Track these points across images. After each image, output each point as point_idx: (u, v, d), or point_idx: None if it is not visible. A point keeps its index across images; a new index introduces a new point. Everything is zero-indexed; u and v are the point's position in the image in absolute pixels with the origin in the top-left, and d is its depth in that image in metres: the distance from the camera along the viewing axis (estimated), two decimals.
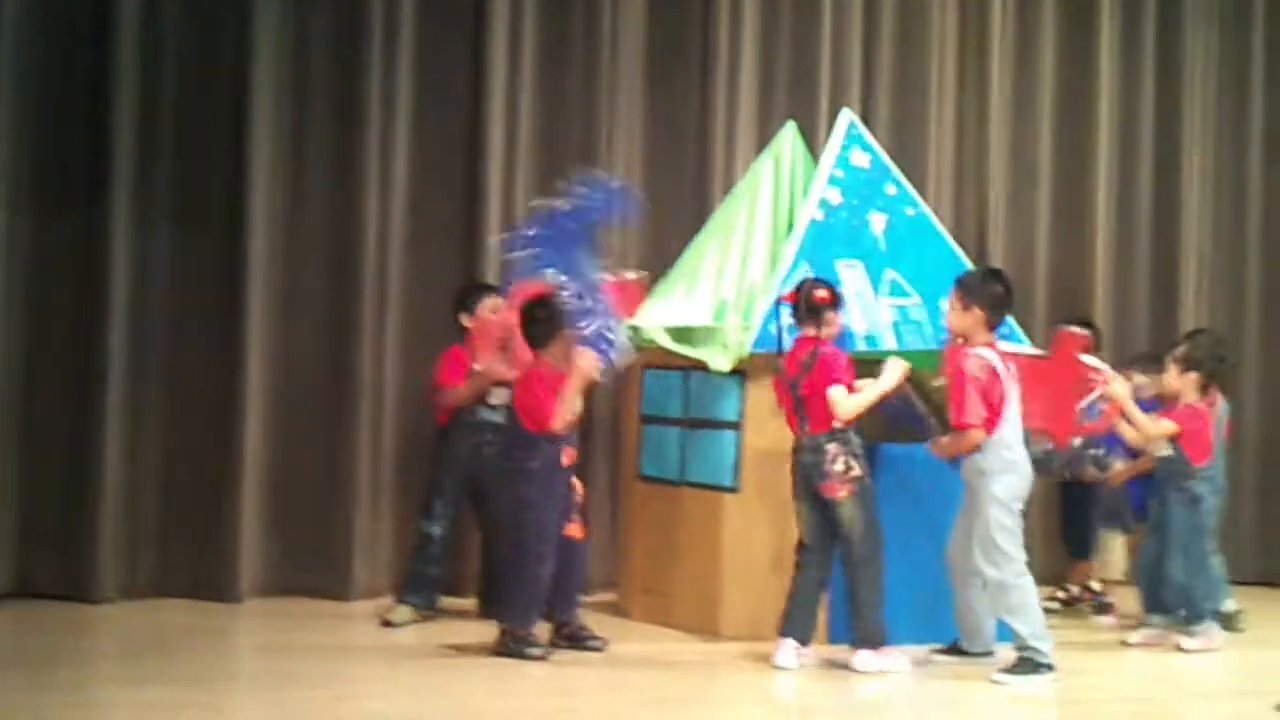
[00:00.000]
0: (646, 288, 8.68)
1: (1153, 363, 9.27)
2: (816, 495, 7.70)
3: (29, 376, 8.77)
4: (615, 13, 9.83)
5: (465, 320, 8.55)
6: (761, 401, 8.13)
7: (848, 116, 8.88)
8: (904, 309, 8.49)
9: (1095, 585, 9.50)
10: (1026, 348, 8.46)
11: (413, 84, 9.41)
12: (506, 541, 7.86)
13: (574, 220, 7.74)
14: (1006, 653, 7.76)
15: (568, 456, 7.81)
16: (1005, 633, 7.90)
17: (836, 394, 7.62)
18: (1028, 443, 7.78)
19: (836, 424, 7.66)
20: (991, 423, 7.54)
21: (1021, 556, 7.60)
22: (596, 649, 7.92)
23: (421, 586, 8.53)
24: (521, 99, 9.60)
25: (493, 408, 8.43)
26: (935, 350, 8.33)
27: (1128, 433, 8.71)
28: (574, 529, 7.95)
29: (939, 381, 8.03)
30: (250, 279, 9.00)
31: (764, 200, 8.79)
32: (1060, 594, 9.57)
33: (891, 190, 8.72)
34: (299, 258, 9.25)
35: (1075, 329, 9.06)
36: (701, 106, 10.00)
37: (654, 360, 8.70)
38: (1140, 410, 8.51)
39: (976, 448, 7.55)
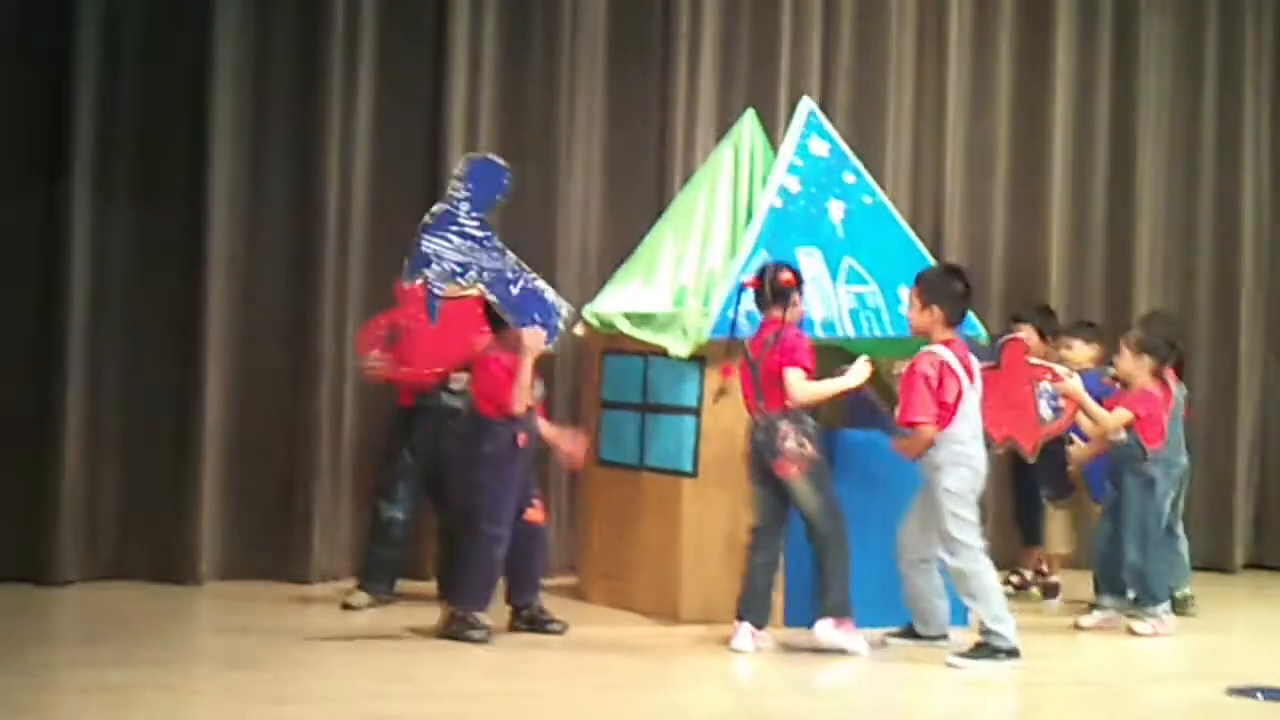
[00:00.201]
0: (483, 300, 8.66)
1: (1090, 330, 9.42)
2: (769, 474, 7.75)
3: None
4: (576, 1, 9.86)
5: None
6: (720, 388, 8.18)
7: (807, 105, 8.93)
8: (861, 296, 8.55)
9: (1045, 568, 9.63)
10: (980, 340, 8.52)
11: (375, 62, 9.42)
12: (460, 525, 7.89)
13: (473, 210, 8.23)
14: (961, 636, 7.84)
15: (523, 440, 7.87)
16: (959, 617, 7.99)
17: (793, 375, 7.67)
18: (989, 442, 7.86)
19: (790, 404, 7.73)
20: (944, 419, 7.59)
21: (979, 544, 7.67)
22: (556, 632, 7.97)
23: (382, 572, 8.55)
24: (482, 84, 9.62)
25: (454, 393, 8.46)
26: (893, 339, 8.41)
27: (1085, 423, 8.81)
28: (535, 513, 7.99)
29: (899, 369, 8.08)
30: (210, 263, 9.02)
31: (723, 188, 8.84)
32: (1014, 578, 9.68)
33: (850, 178, 8.78)
34: (259, 243, 9.26)
35: (1021, 331, 9.14)
36: (661, 94, 10.05)
37: (613, 345, 8.75)
38: (1092, 396, 8.62)
39: (931, 443, 7.62)
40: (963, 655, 7.64)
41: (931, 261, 8.62)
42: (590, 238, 9.87)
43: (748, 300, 7.92)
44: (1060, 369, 8.58)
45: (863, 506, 7.96)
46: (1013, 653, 7.61)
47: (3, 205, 8.76)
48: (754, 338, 7.87)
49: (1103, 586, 8.79)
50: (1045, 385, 8.62)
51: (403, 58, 9.50)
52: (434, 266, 8.36)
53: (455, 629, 7.71)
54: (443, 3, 9.51)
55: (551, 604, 8.18)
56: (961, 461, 7.64)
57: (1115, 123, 11.25)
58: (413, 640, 7.78)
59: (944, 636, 7.92)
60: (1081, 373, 8.83)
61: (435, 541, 8.88)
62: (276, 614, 8.42)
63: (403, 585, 8.69)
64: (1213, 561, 10.98)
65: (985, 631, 7.64)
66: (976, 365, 7.76)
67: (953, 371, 7.62)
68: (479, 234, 8.45)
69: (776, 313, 7.80)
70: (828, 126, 8.90)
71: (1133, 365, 8.67)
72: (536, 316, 8.12)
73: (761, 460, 7.77)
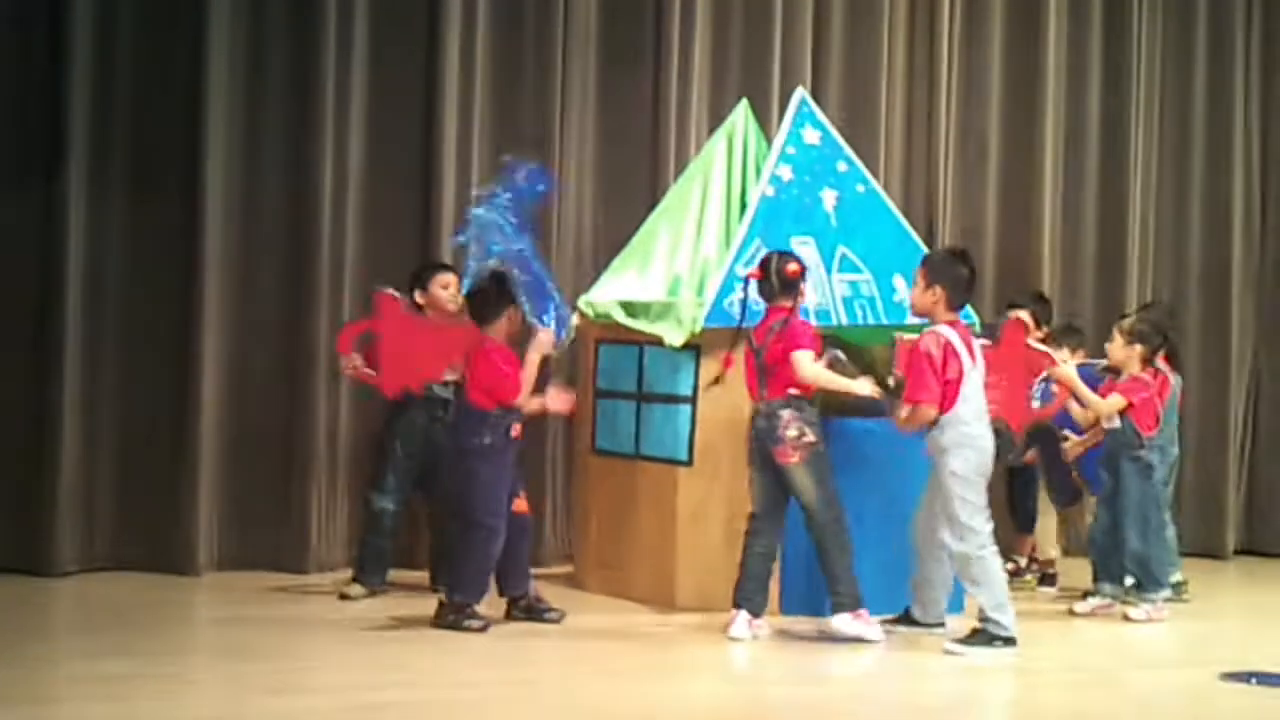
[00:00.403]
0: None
1: (1076, 336, 9.45)
2: (770, 461, 7.78)
3: None
4: None
5: (419, 297, 8.61)
6: (715, 376, 8.19)
7: (800, 94, 8.95)
8: (855, 284, 8.58)
9: (1048, 555, 9.64)
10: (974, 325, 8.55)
11: (368, 50, 9.42)
12: (457, 517, 7.91)
13: (513, 203, 7.97)
14: (958, 623, 7.87)
15: (518, 431, 7.89)
16: (956, 605, 8.02)
17: (802, 356, 7.69)
18: (999, 428, 7.89)
19: (793, 391, 7.74)
20: (947, 399, 7.63)
21: (985, 529, 7.68)
22: (554, 621, 7.99)
23: (377, 563, 8.58)
24: (476, 76, 9.62)
25: (444, 384, 8.47)
26: (885, 326, 8.44)
27: (1078, 412, 8.84)
28: (520, 504, 8.03)
29: (906, 339, 8.08)
30: (205, 260, 9.02)
31: (717, 177, 8.87)
32: (1008, 565, 9.69)
33: (843, 167, 8.80)
34: (254, 240, 9.26)
35: (1021, 314, 9.19)
36: (655, 85, 10.04)
37: (609, 335, 8.77)
38: (1087, 387, 8.65)
39: (931, 422, 7.64)
40: (960, 641, 7.67)
41: (925, 250, 8.64)
42: (585, 227, 9.88)
43: (751, 290, 7.93)
44: (1057, 354, 8.60)
45: (859, 493, 7.98)
46: (1010, 641, 7.63)
47: None
48: (758, 325, 7.89)
49: (1101, 575, 8.80)
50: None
51: (396, 47, 9.50)
52: (487, 237, 8.03)
53: (452, 619, 7.74)
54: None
55: (549, 593, 8.22)
56: (967, 443, 7.65)
57: (1106, 113, 11.26)
58: (410, 630, 7.80)
59: (941, 624, 7.94)
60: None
61: (427, 531, 8.92)
62: (274, 604, 8.43)
63: (395, 575, 8.71)
64: (1205, 547, 11.02)
65: (984, 619, 7.66)
66: (978, 345, 7.78)
67: (955, 351, 7.64)
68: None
69: (785, 302, 7.82)
70: (820, 116, 8.92)
71: (1124, 353, 8.70)
72: (546, 319, 8.05)
73: (763, 447, 7.80)
